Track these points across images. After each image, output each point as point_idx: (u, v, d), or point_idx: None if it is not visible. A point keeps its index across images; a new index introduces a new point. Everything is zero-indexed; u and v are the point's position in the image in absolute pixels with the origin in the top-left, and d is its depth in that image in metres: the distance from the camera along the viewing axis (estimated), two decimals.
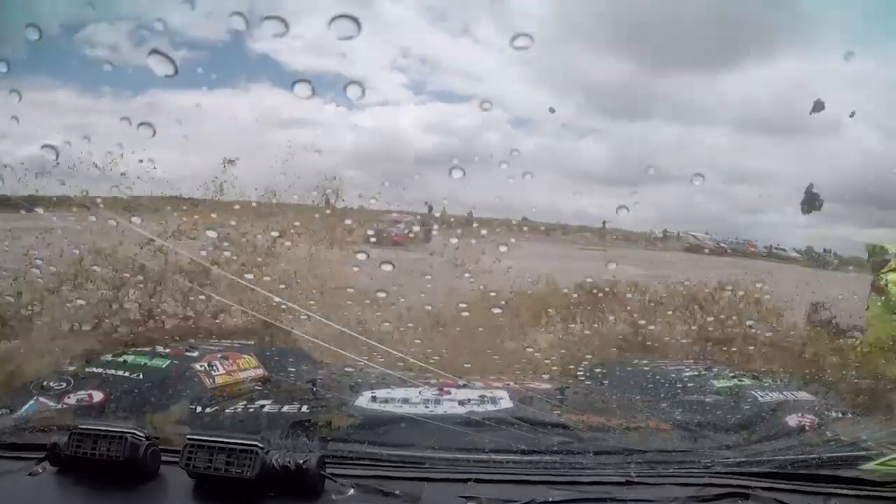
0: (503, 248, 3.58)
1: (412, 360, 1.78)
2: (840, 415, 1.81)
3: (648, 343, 4.38)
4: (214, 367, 2.11)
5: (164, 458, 1.21)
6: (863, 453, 1.38)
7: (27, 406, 1.70)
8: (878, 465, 1.31)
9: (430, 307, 3.70)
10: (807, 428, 1.67)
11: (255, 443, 1.12)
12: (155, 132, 1.88)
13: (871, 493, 1.21)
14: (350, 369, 2.17)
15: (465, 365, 2.71)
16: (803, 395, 1.95)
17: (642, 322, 4.63)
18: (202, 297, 3.74)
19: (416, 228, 7.70)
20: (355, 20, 1.39)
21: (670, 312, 4.93)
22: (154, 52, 1.49)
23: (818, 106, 1.44)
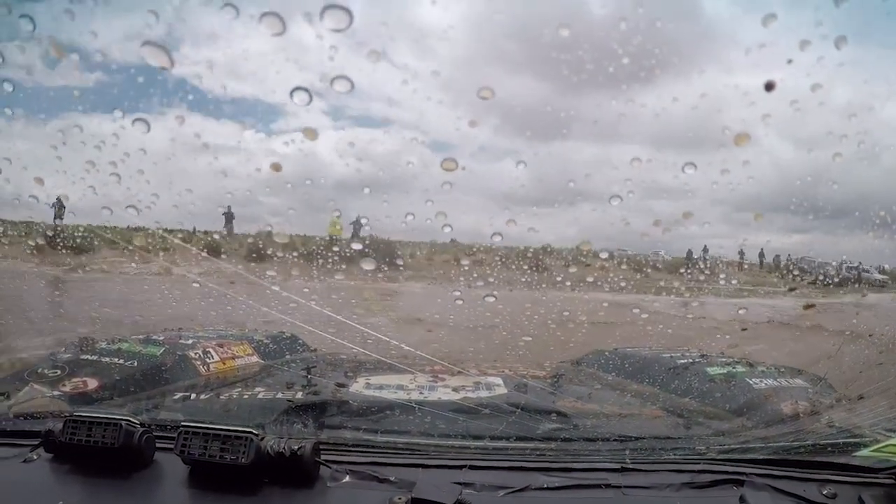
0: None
1: (406, 347, 1.77)
2: (835, 402, 1.80)
3: None
4: (209, 355, 2.12)
5: (158, 445, 1.21)
6: (857, 440, 1.37)
7: (22, 393, 1.70)
8: (872, 451, 1.29)
9: None
10: (801, 415, 1.66)
11: (250, 429, 1.12)
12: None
13: (865, 480, 1.20)
14: (344, 356, 2.17)
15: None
16: (798, 381, 1.94)
17: None
18: None
19: None
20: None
21: None
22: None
23: (769, 86, 1.47)
